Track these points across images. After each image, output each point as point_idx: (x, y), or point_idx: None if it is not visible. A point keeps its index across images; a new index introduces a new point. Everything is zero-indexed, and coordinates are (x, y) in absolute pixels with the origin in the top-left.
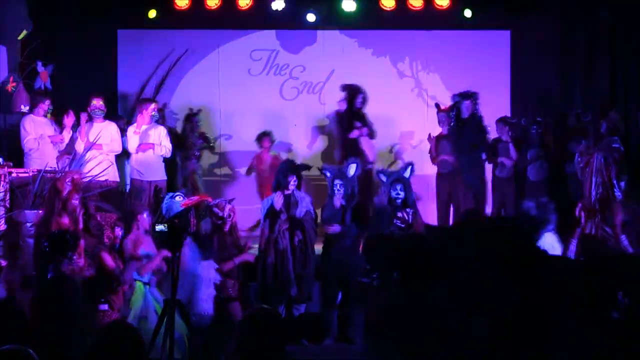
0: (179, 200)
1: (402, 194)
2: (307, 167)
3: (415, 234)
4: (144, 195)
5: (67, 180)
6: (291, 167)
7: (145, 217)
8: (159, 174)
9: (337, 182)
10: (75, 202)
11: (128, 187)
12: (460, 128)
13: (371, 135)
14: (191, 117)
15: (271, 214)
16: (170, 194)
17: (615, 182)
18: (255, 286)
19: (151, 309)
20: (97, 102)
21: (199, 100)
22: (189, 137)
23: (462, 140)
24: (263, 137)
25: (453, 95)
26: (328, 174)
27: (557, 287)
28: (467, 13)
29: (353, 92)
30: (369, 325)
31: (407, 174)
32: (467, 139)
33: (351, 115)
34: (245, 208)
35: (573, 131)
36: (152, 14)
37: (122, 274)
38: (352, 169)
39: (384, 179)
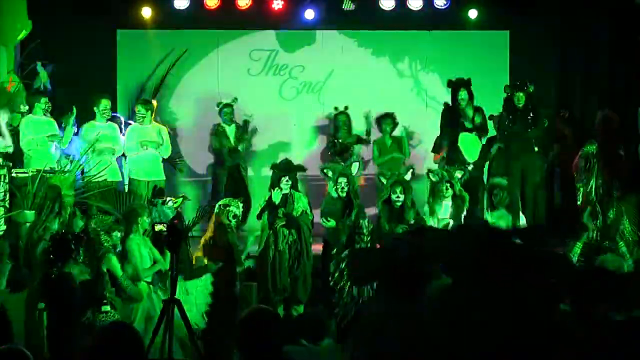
0: (172, 205)
1: (402, 197)
2: (303, 169)
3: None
4: (142, 195)
5: (55, 187)
6: (284, 168)
7: (145, 219)
8: (158, 174)
9: (342, 179)
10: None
11: (127, 187)
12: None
13: (477, 132)
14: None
15: (268, 212)
16: (160, 199)
17: (615, 183)
18: (254, 286)
19: (157, 308)
20: (109, 103)
21: (198, 100)
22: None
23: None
24: (385, 118)
25: (505, 86)
26: (330, 173)
27: (556, 289)
28: (472, 14)
29: (455, 87)
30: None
31: (407, 176)
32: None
33: (454, 111)
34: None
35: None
36: (147, 13)
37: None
38: (354, 167)
39: (383, 181)
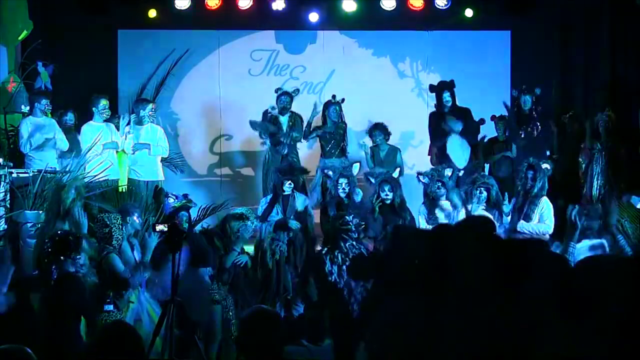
0: (171, 202)
1: (390, 195)
2: (305, 171)
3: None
4: (141, 195)
5: (71, 190)
6: (286, 171)
7: (136, 219)
8: (156, 174)
9: (342, 180)
10: (77, 208)
11: (125, 187)
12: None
13: (464, 135)
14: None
15: (268, 215)
16: (169, 193)
17: (617, 183)
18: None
19: (145, 311)
20: (107, 103)
21: (199, 100)
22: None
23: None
24: (374, 129)
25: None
26: (331, 173)
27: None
28: (468, 13)
29: (438, 91)
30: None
31: (395, 174)
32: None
33: (440, 116)
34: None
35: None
36: (152, 13)
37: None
38: (355, 168)
39: (372, 180)
